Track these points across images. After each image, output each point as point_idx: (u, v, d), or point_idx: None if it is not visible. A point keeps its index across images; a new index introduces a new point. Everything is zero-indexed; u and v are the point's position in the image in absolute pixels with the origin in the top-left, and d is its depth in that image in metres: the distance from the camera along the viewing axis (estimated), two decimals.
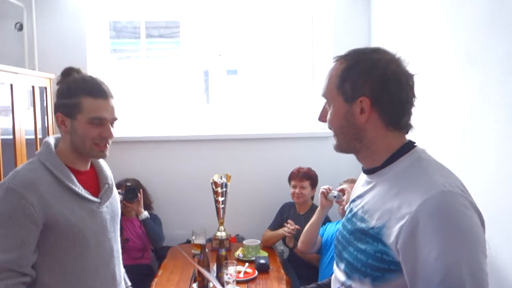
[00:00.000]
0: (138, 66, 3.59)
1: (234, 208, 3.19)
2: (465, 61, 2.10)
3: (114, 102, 1.52)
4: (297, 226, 2.77)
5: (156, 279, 2.49)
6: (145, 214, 2.99)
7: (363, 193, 1.14)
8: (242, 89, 3.61)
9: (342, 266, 1.14)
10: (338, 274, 1.16)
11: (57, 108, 1.48)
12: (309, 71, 3.50)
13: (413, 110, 1.11)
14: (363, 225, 1.07)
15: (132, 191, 2.96)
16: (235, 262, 2.34)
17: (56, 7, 3.24)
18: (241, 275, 2.45)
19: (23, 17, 3.17)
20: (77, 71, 1.53)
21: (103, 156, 1.54)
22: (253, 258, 2.67)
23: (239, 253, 2.80)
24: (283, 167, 3.18)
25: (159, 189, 3.31)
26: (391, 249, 0.97)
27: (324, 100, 1.15)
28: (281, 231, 2.88)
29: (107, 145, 1.52)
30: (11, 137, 2.66)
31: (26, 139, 2.77)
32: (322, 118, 1.15)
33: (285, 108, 3.49)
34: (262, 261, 2.56)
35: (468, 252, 0.91)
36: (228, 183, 3.00)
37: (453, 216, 0.92)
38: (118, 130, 3.28)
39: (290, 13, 3.53)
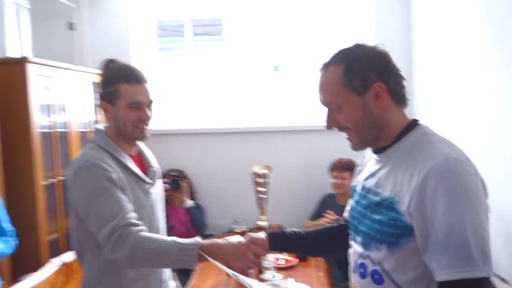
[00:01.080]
0: (184, 63, 3.71)
1: (275, 199, 3.24)
2: (500, 55, 2.07)
3: (148, 86, 1.60)
4: (337, 217, 2.79)
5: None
6: (189, 203, 3.11)
7: (375, 171, 1.20)
8: (283, 84, 3.66)
9: (359, 239, 1.21)
10: (356, 247, 1.23)
11: (101, 97, 1.59)
12: None
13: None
14: (377, 198, 1.14)
15: (177, 181, 3.08)
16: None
17: (105, 7, 3.41)
18: (282, 262, 2.51)
19: (74, 16, 3.36)
20: (115, 61, 1.61)
21: (144, 138, 1.62)
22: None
23: None
24: (323, 158, 3.21)
25: (203, 179, 3.43)
26: (404, 216, 1.05)
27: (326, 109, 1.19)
28: (321, 221, 2.91)
29: (146, 126, 1.60)
30: (66, 130, 2.84)
31: (79, 132, 2.95)
32: (331, 124, 1.19)
33: None
34: None
35: (471, 211, 0.99)
36: (269, 174, 3.05)
37: (458, 179, 1.00)
38: (165, 123, 3.46)
39: (331, 9, 3.54)
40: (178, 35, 3.85)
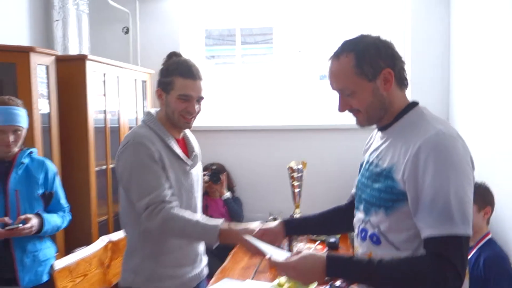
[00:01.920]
0: (231, 70, 3.94)
1: (310, 195, 3.36)
2: None
3: (202, 83, 1.75)
4: None
5: (234, 250, 2.75)
6: (227, 195, 3.28)
7: (378, 146, 1.35)
8: (327, 91, 3.78)
9: (361, 206, 1.36)
10: (359, 214, 1.38)
11: (158, 84, 1.77)
12: None
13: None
14: (377, 169, 1.29)
15: (217, 173, 3.27)
16: (306, 238, 2.51)
17: (157, 13, 3.70)
18: (311, 250, 2.62)
19: (129, 21, 3.66)
20: (178, 55, 1.80)
21: (188, 127, 1.79)
22: (324, 239, 2.83)
23: None
24: (358, 156, 3.28)
25: (242, 174, 3.62)
26: (399, 183, 1.21)
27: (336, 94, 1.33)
28: None
29: (192, 118, 1.76)
30: (116, 125, 3.10)
31: (129, 127, 3.20)
32: (344, 107, 1.32)
33: None
34: (332, 239, 2.70)
35: (455, 179, 1.13)
36: (304, 170, 3.18)
37: (446, 151, 1.15)
38: (208, 120, 3.67)
39: (376, 15, 3.65)
40: (224, 43, 4.08)
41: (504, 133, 2.43)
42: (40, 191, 2.18)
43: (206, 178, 3.21)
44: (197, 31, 3.90)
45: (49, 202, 2.23)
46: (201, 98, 1.76)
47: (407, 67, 1.33)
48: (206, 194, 3.31)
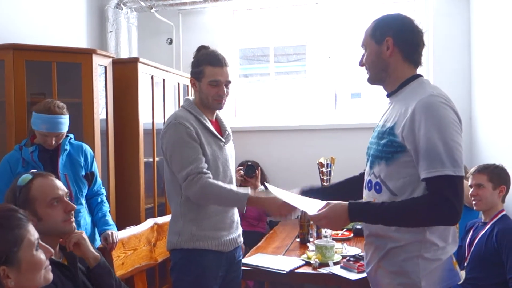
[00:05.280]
0: (267, 87, 4.30)
1: None
2: None
3: (228, 69, 2.03)
4: None
5: (267, 235, 3.00)
6: (261, 187, 3.53)
7: (386, 111, 1.61)
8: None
9: (369, 162, 1.60)
10: (366, 169, 1.62)
11: (191, 74, 2.06)
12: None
13: None
14: (383, 129, 1.54)
15: (251, 167, 3.53)
16: None
17: (198, 26, 4.07)
18: (339, 236, 2.84)
19: (173, 33, 4.04)
20: (206, 47, 2.08)
21: (220, 108, 2.06)
22: (350, 227, 3.04)
23: None
24: None
25: (274, 171, 3.90)
26: (398, 137, 1.45)
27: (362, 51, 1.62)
28: None
29: (223, 100, 2.03)
30: (162, 123, 3.42)
31: None
32: (361, 61, 1.61)
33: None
34: (358, 226, 2.91)
35: (443, 131, 1.38)
36: (333, 165, 3.41)
37: (434, 109, 1.40)
38: (242, 121, 3.95)
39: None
40: (258, 62, 4.42)
41: None
42: (83, 173, 2.45)
43: (242, 172, 3.47)
44: (232, 49, 4.21)
45: (91, 182, 2.50)
46: (229, 82, 2.03)
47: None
48: (240, 187, 3.56)
